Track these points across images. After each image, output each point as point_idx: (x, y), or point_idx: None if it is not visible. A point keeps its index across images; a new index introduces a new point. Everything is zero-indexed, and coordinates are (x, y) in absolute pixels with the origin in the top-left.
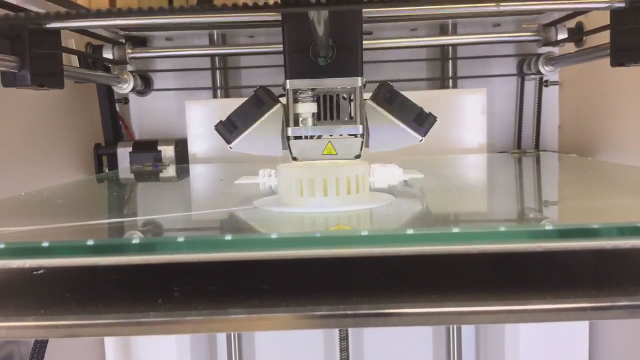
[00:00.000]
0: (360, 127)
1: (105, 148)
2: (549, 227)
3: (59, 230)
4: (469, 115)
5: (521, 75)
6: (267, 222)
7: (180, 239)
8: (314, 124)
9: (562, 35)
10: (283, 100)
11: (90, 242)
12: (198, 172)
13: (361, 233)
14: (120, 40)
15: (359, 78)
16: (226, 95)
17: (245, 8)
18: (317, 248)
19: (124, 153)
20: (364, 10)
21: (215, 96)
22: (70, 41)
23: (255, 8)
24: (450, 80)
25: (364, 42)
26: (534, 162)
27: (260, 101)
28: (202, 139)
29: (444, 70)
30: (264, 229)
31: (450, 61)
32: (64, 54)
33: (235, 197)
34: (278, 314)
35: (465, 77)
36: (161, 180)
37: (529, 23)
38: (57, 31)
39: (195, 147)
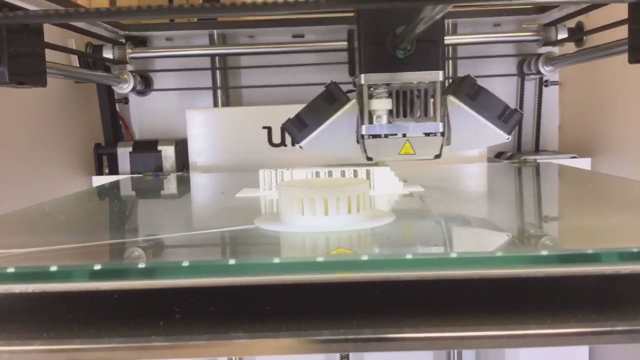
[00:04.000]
0: (441, 124)
1: (105, 148)
2: (549, 253)
3: (61, 252)
4: None
5: (521, 75)
6: (268, 243)
7: (185, 264)
8: (389, 122)
9: (562, 35)
10: (351, 96)
11: (94, 267)
12: (199, 183)
13: (361, 258)
14: (121, 40)
15: (441, 72)
16: (226, 95)
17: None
18: (318, 273)
19: (124, 153)
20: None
21: (215, 96)
22: (71, 41)
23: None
24: (451, 80)
25: None
26: (534, 175)
27: (333, 97)
28: (202, 147)
29: (443, 70)
30: (265, 251)
31: (450, 61)
32: (64, 54)
33: (237, 214)
34: (280, 338)
35: None
36: (162, 195)
37: (529, 23)
38: (39, 28)
39: (196, 156)
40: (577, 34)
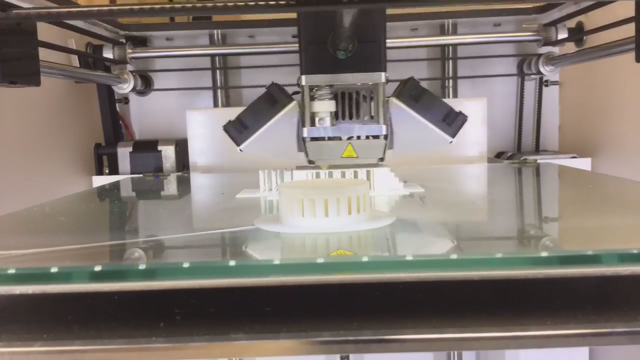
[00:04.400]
0: (384, 127)
1: (105, 148)
2: (549, 255)
3: (61, 253)
4: (469, 124)
5: (521, 75)
6: (268, 244)
7: (185, 265)
8: (332, 124)
9: (562, 35)
10: (297, 98)
11: (94, 269)
12: (199, 184)
13: (362, 259)
14: (121, 40)
15: (383, 73)
16: (226, 94)
17: (262, 6)
18: (319, 274)
19: (124, 153)
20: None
21: (215, 96)
22: (71, 41)
23: (274, 6)
24: (451, 80)
25: None
26: (534, 176)
27: (273, 99)
28: (202, 147)
29: (444, 70)
30: (266, 252)
31: (450, 61)
32: (64, 53)
33: (237, 214)
34: (280, 339)
35: (465, 77)
36: (162, 196)
37: (529, 23)
38: (32, 28)
39: (196, 156)
40: (577, 34)
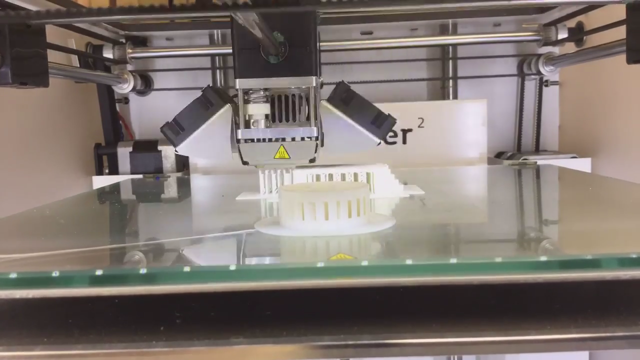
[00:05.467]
0: (315, 129)
1: (105, 148)
2: (549, 259)
3: (61, 257)
4: (469, 126)
5: (521, 75)
6: (269, 247)
7: (186, 270)
8: (267, 126)
9: (562, 35)
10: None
11: (95, 273)
12: (199, 186)
13: (362, 264)
14: (121, 40)
15: (314, 77)
16: None
17: (192, 8)
18: (319, 278)
19: (124, 153)
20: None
21: None
22: (71, 41)
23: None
24: (451, 80)
25: (364, 42)
26: (534, 178)
27: (209, 101)
28: None
29: (444, 70)
30: (266, 256)
31: (450, 61)
32: (64, 53)
33: (237, 217)
34: (280, 344)
35: (465, 77)
36: (162, 198)
37: (529, 23)
38: (41, 29)
39: (196, 157)
40: (577, 34)
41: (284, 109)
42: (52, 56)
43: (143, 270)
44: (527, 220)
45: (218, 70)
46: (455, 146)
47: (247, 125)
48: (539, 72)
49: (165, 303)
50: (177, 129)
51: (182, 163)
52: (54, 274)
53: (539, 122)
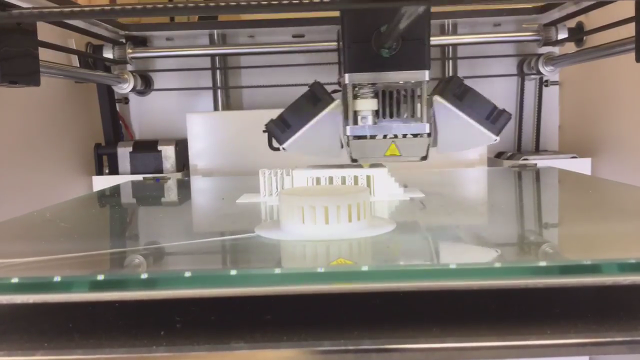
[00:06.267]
0: (427, 125)
1: (105, 148)
2: (549, 264)
3: (62, 261)
4: None
5: (521, 75)
6: (269, 251)
7: (186, 275)
8: (374, 122)
9: (562, 35)
10: (336, 96)
11: (95, 278)
12: (199, 188)
13: (362, 269)
14: (121, 40)
15: (426, 71)
16: (226, 95)
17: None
18: (319, 284)
19: (124, 153)
20: None
21: (215, 96)
22: (71, 41)
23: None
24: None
25: None
26: (534, 180)
27: (316, 97)
28: (203, 150)
29: (444, 70)
30: (266, 261)
31: (450, 61)
32: (64, 53)
33: (238, 221)
34: (281, 348)
35: (465, 77)
36: (162, 201)
37: (529, 23)
38: (32, 28)
39: (196, 159)
40: (577, 34)
41: (390, 104)
42: (52, 56)
43: (144, 275)
44: (527, 224)
45: (218, 70)
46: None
47: (355, 121)
48: (539, 72)
49: (165, 307)
50: (284, 126)
51: (182, 163)
52: (54, 279)
53: (539, 122)
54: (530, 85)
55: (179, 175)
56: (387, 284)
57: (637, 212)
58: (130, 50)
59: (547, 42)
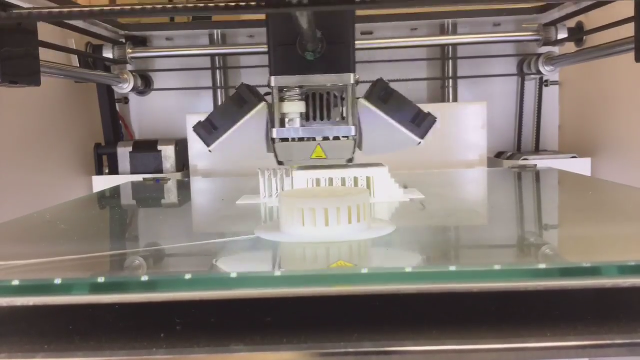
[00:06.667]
0: (353, 128)
1: (105, 148)
2: (549, 267)
3: (62, 264)
4: (469, 128)
5: (521, 75)
6: (269, 254)
7: (187, 277)
8: (302, 125)
9: (563, 35)
10: (269, 99)
11: (96, 281)
12: (199, 189)
13: (362, 271)
14: (121, 40)
15: (352, 74)
16: (226, 94)
17: (227, 8)
18: (319, 286)
19: (124, 153)
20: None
21: (215, 96)
22: (71, 41)
23: (238, 8)
24: (451, 80)
25: (364, 42)
26: (534, 182)
27: (243, 100)
28: (203, 151)
29: (444, 70)
30: (267, 263)
31: (450, 61)
32: (64, 53)
33: (238, 222)
34: (281, 351)
35: (465, 77)
36: (162, 203)
37: (529, 23)
38: (32, 28)
39: (196, 160)
40: (577, 34)
41: (319, 107)
42: (52, 56)
43: (144, 278)
44: (527, 225)
45: (218, 70)
46: (455, 148)
47: (282, 124)
48: (539, 72)
49: (165, 310)
50: (211, 128)
51: (182, 163)
52: (55, 282)
53: (539, 122)
54: (530, 85)
55: (179, 175)
56: (387, 286)
57: (637, 214)
58: (130, 50)
59: (547, 42)
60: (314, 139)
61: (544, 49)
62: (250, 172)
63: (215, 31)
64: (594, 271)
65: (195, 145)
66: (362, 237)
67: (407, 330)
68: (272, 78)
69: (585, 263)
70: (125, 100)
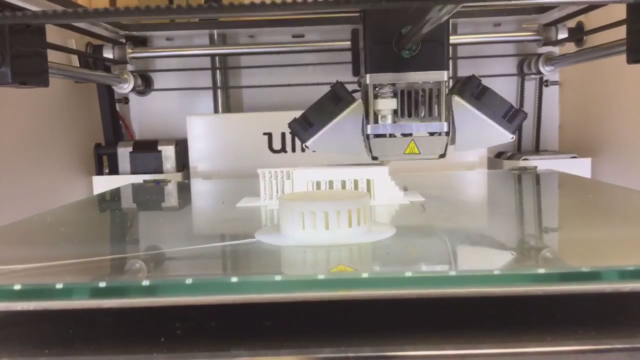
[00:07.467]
0: (446, 124)
1: (105, 148)
2: (549, 272)
3: (62, 268)
4: None
5: (521, 75)
6: (269, 258)
7: (187, 282)
8: (393, 121)
9: (563, 35)
10: (356, 96)
11: (96, 285)
12: (199, 191)
13: (362, 276)
14: (121, 40)
15: (445, 72)
16: (226, 95)
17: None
18: (319, 291)
19: (124, 153)
20: None
21: (215, 96)
22: (71, 41)
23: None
24: (450, 81)
25: None
26: (534, 184)
27: (338, 97)
28: (203, 152)
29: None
30: (267, 267)
31: (450, 61)
32: (64, 53)
33: (238, 225)
34: (281, 355)
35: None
36: (163, 206)
37: (529, 23)
38: (41, 29)
39: (196, 161)
40: (577, 34)
41: (409, 103)
42: (52, 56)
43: (145, 283)
44: (527, 229)
45: (218, 71)
46: (455, 150)
47: (376, 120)
48: (539, 72)
49: (166, 314)
50: (306, 124)
51: (182, 164)
52: (55, 286)
53: (539, 122)
54: (530, 85)
55: (179, 175)
56: (387, 291)
57: (637, 218)
58: (130, 50)
59: (547, 42)
60: (410, 135)
61: (544, 49)
62: (250, 174)
63: (215, 31)
64: (594, 276)
65: (196, 145)
66: (362, 241)
67: (407, 334)
68: (368, 75)
69: (585, 267)
70: (125, 100)
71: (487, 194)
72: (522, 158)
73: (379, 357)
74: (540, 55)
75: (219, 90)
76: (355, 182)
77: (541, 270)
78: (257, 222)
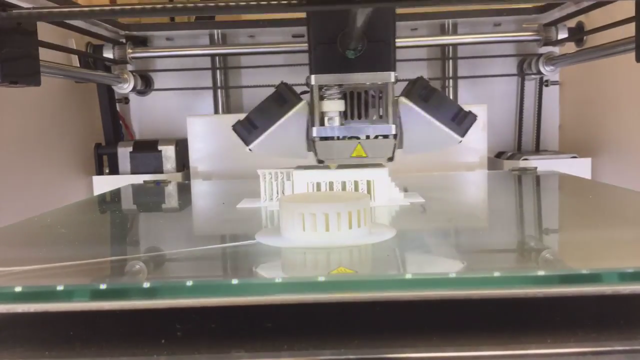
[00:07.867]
0: (393, 126)
1: (105, 148)
2: (549, 273)
3: (63, 269)
4: (469, 130)
5: (521, 75)
6: (270, 259)
7: (188, 284)
8: (341, 124)
9: (563, 34)
10: (305, 97)
11: (97, 287)
12: (199, 192)
13: (362, 278)
14: (121, 40)
15: (392, 73)
16: (227, 94)
17: (265, 6)
18: (320, 293)
19: (124, 153)
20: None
21: (215, 96)
22: (71, 41)
23: (281, 5)
24: (451, 80)
25: None
26: (534, 185)
27: (282, 98)
28: (203, 153)
29: (444, 70)
30: (267, 269)
31: (450, 61)
32: (64, 53)
33: (238, 227)
34: (281, 357)
35: (465, 77)
36: (163, 207)
37: (530, 23)
38: (32, 28)
39: (196, 162)
40: (578, 34)
41: (358, 105)
42: (52, 56)
43: (145, 285)
44: (527, 230)
45: (218, 71)
46: (454, 150)
47: (322, 122)
48: (539, 72)
49: (166, 316)
50: (250, 127)
51: (183, 164)
52: (56, 288)
53: (539, 122)
54: (531, 85)
55: (179, 175)
56: (387, 293)
57: (637, 219)
58: (131, 50)
59: (547, 42)
60: (357, 138)
61: (544, 49)
62: (250, 174)
63: (215, 31)
64: (593, 278)
65: (196, 146)
66: (362, 242)
67: (407, 336)
68: (312, 76)
69: (585, 269)
70: (125, 100)
71: (487, 196)
72: (523, 158)
73: (379, 358)
74: (540, 55)
75: (219, 90)
76: (356, 183)
77: (541, 273)
78: (257, 223)
